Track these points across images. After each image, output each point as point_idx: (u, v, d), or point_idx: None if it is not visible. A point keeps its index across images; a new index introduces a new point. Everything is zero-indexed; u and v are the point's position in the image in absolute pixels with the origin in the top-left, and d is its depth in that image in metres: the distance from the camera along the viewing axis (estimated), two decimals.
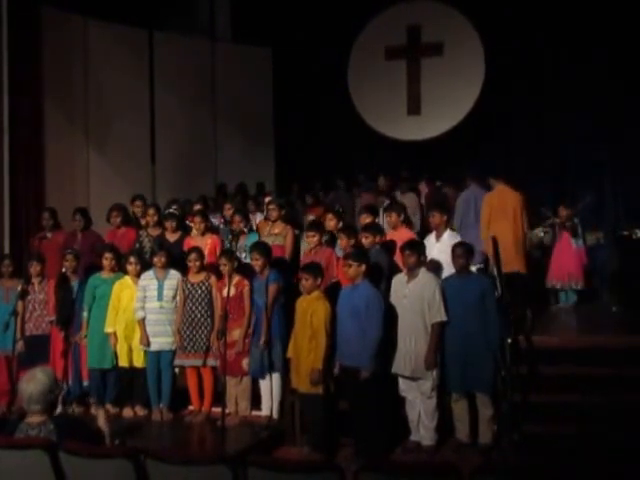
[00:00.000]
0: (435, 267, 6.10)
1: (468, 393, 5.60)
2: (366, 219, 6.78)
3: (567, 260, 8.61)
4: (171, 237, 7.14)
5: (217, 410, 5.93)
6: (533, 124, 10.55)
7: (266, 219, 7.62)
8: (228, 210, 7.92)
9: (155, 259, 6.50)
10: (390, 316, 5.58)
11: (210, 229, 7.34)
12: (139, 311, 6.38)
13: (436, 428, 5.59)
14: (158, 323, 6.36)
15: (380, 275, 5.94)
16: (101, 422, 3.93)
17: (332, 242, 6.80)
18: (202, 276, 6.41)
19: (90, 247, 7.15)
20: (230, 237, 7.15)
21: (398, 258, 6.02)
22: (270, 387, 6.09)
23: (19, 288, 6.58)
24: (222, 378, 6.13)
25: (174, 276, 6.46)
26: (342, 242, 6.25)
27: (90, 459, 3.39)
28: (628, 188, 10.21)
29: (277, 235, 7.08)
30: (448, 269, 5.99)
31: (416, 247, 5.72)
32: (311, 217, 8.23)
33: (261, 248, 6.22)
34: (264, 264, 6.11)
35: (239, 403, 6.23)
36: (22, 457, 3.41)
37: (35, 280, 6.74)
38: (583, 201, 9.29)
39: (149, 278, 6.45)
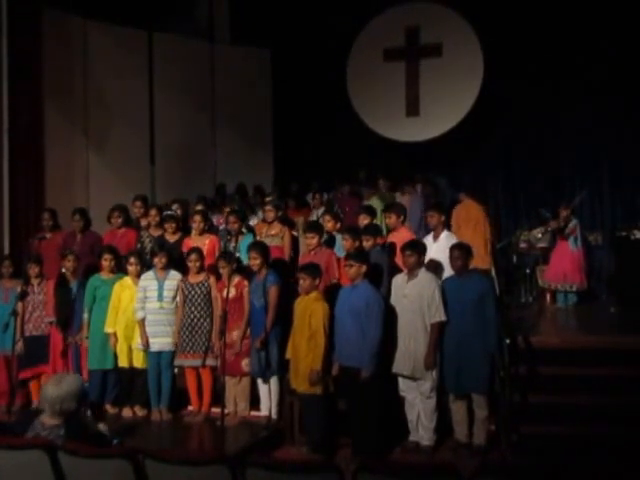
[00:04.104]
0: (434, 267, 6.12)
1: (465, 394, 5.62)
2: (364, 220, 6.80)
3: (564, 262, 8.66)
4: (171, 238, 7.16)
5: (216, 410, 5.95)
6: (532, 125, 10.56)
7: (263, 220, 7.64)
8: (227, 210, 7.95)
9: (155, 260, 6.51)
10: (390, 316, 5.60)
11: (209, 229, 7.36)
12: (139, 311, 6.39)
13: (435, 428, 5.61)
14: (158, 323, 6.38)
15: (380, 276, 5.96)
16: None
17: (331, 243, 6.82)
18: (201, 277, 6.43)
19: (90, 248, 7.16)
20: (227, 237, 7.18)
21: (398, 259, 6.04)
22: (268, 387, 6.10)
23: (19, 289, 6.60)
24: (221, 378, 6.15)
25: (174, 277, 6.48)
26: (346, 243, 6.24)
27: (90, 459, 3.40)
28: (626, 189, 10.22)
29: (274, 236, 7.11)
30: (447, 269, 6.01)
31: (417, 247, 5.74)
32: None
33: (259, 247, 6.23)
34: (262, 264, 6.12)
35: (238, 403, 6.25)
36: (22, 457, 3.42)
37: (34, 281, 6.76)
38: (580, 195, 9.32)
39: (149, 278, 6.47)
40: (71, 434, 3.56)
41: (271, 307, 6.02)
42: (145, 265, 6.67)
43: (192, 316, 6.35)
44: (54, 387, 3.60)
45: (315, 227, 6.71)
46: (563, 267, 8.63)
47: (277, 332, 6.04)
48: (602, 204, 10.41)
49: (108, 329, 6.45)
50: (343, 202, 9.64)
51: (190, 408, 6.49)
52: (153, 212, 7.38)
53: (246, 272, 6.35)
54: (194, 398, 6.43)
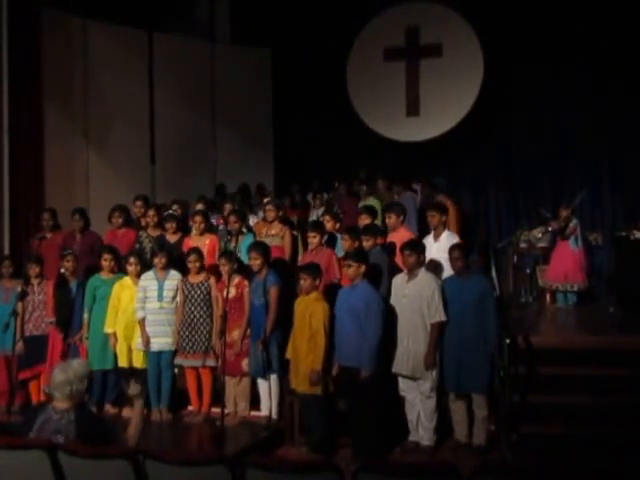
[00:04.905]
0: (434, 267, 6.12)
1: (465, 393, 5.62)
2: (364, 220, 6.79)
3: (565, 262, 8.64)
4: (171, 238, 7.16)
5: (216, 410, 5.95)
6: (532, 124, 10.56)
7: (263, 220, 7.64)
8: (227, 210, 7.93)
9: (155, 260, 6.51)
10: (390, 316, 5.60)
11: (209, 229, 7.35)
12: (139, 311, 6.39)
13: (435, 428, 5.61)
14: (158, 323, 6.38)
15: (380, 276, 5.96)
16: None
17: (331, 243, 6.82)
18: (202, 277, 6.43)
19: (89, 248, 7.16)
20: (227, 237, 7.18)
21: (398, 259, 6.04)
22: (269, 387, 6.10)
23: (19, 289, 6.60)
24: (221, 378, 6.15)
25: (174, 277, 6.48)
26: (346, 243, 6.25)
27: (90, 459, 3.40)
28: (626, 189, 10.23)
29: (274, 236, 7.11)
30: (448, 269, 6.00)
31: (416, 247, 5.74)
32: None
33: (260, 248, 6.23)
34: (262, 264, 6.12)
35: (238, 403, 6.25)
36: (22, 457, 3.42)
37: (34, 281, 6.75)
38: (581, 195, 9.33)
39: (149, 278, 6.46)
40: (81, 420, 3.62)
41: (272, 307, 6.01)
42: (145, 265, 6.67)
43: (192, 316, 6.35)
44: (62, 373, 3.69)
45: (317, 226, 6.72)
46: (564, 267, 8.62)
47: (277, 332, 6.04)
48: (602, 204, 10.41)
49: (108, 329, 6.45)
50: (341, 202, 9.66)
51: (190, 408, 6.49)
52: (151, 212, 7.38)
53: (246, 272, 6.35)
54: (194, 398, 6.43)
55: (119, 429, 3.93)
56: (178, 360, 6.39)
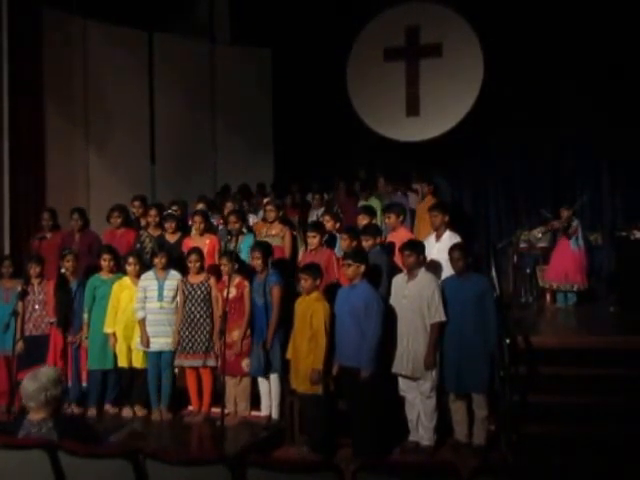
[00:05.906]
0: (435, 267, 6.11)
1: (465, 393, 5.62)
2: (363, 220, 6.79)
3: (565, 261, 8.64)
4: (171, 238, 7.16)
5: (216, 410, 5.95)
6: (532, 125, 10.56)
7: (263, 220, 7.64)
8: (228, 210, 7.94)
9: (156, 260, 6.51)
10: (390, 316, 5.60)
11: (209, 229, 7.36)
12: (139, 311, 6.39)
13: (435, 428, 5.61)
14: (158, 323, 6.38)
15: (380, 276, 5.96)
16: None
17: (331, 243, 6.82)
18: (202, 277, 6.43)
19: (88, 247, 7.17)
20: (227, 237, 7.18)
21: (398, 259, 6.04)
22: (269, 387, 6.10)
23: (19, 289, 6.60)
24: (221, 378, 6.15)
25: (174, 277, 6.48)
26: (345, 243, 6.25)
27: (90, 459, 3.40)
28: (626, 189, 10.23)
29: (274, 236, 7.11)
30: (448, 269, 5.99)
31: (415, 247, 5.73)
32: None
33: (262, 247, 6.24)
34: (264, 263, 6.13)
35: (238, 403, 6.25)
36: (22, 457, 3.42)
37: (35, 281, 6.75)
38: (581, 199, 9.33)
39: (149, 278, 6.46)
40: (61, 427, 3.56)
41: (274, 307, 6.02)
42: (145, 265, 6.67)
43: (192, 316, 6.35)
44: (32, 382, 3.59)
45: (317, 226, 6.72)
46: (564, 267, 8.62)
47: (279, 332, 6.04)
48: (602, 204, 10.41)
49: (107, 329, 6.45)
50: (341, 202, 9.66)
51: (190, 408, 6.49)
52: (153, 212, 7.39)
53: (247, 272, 6.35)
54: (194, 398, 6.43)
55: (103, 430, 3.85)
56: (178, 360, 6.39)
